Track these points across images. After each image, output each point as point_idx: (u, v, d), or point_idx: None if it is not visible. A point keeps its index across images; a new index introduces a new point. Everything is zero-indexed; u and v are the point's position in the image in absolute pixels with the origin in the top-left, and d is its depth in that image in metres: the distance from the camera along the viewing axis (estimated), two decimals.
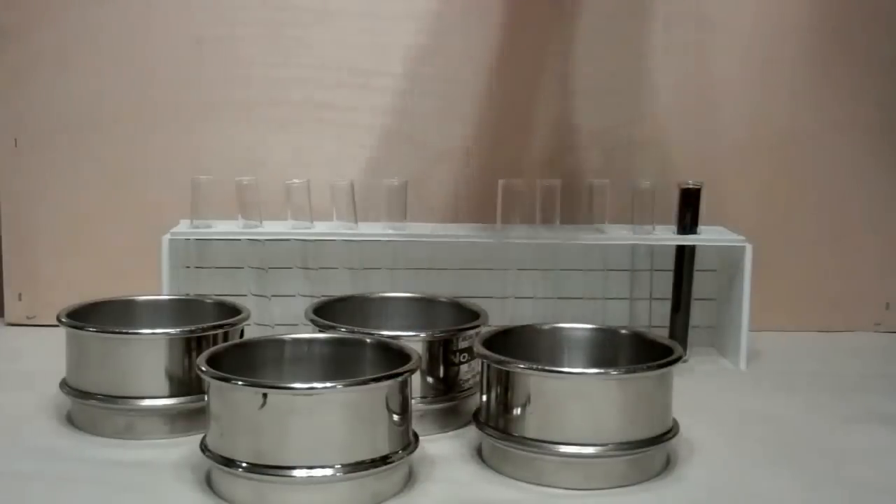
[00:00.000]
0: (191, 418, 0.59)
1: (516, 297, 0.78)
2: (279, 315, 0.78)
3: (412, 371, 0.52)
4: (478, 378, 0.59)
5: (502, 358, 0.54)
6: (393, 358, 0.54)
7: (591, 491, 0.53)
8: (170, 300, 0.68)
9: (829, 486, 0.54)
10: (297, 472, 0.49)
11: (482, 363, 0.56)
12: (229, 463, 0.50)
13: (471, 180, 0.83)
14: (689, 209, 0.75)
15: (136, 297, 0.67)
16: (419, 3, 0.81)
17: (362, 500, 0.50)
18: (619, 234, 0.76)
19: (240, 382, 0.49)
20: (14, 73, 0.82)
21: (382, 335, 0.59)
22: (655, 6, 0.82)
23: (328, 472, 0.49)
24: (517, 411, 0.53)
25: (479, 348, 0.56)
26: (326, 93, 0.82)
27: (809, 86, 0.83)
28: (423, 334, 0.60)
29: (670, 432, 0.55)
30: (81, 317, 0.61)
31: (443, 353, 0.61)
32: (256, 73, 0.82)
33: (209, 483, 0.52)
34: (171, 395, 0.59)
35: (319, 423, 0.49)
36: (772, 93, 0.83)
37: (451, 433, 0.61)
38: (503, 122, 0.83)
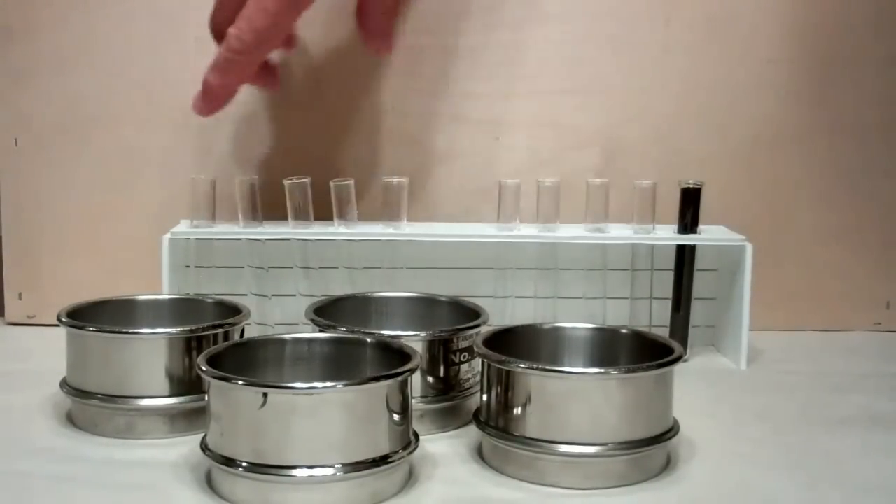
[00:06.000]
0: (191, 418, 0.59)
1: (516, 297, 0.78)
2: (279, 315, 0.78)
3: (412, 371, 0.52)
4: (478, 378, 0.59)
5: (502, 357, 0.54)
6: (393, 358, 0.54)
7: (591, 490, 0.53)
8: (170, 300, 0.68)
9: (829, 487, 0.54)
10: (298, 472, 0.49)
11: (482, 363, 0.56)
12: (229, 462, 0.50)
13: (470, 180, 0.83)
14: (689, 209, 0.75)
15: (136, 297, 0.67)
16: (419, 2, 0.82)
17: (362, 499, 0.50)
18: (619, 234, 0.76)
19: (240, 382, 0.49)
20: (15, 73, 0.82)
21: (382, 335, 0.59)
22: (655, 5, 0.82)
23: (328, 471, 0.49)
24: (517, 411, 0.53)
25: (479, 348, 0.56)
26: (326, 92, 0.82)
27: (809, 86, 0.83)
28: (423, 334, 0.60)
29: (670, 432, 0.55)
30: (81, 317, 0.61)
31: (443, 352, 0.61)
32: None
33: (209, 483, 0.52)
34: (171, 395, 0.59)
35: (320, 422, 0.49)
36: (772, 93, 0.83)
37: (451, 433, 0.61)
38: (503, 121, 0.83)
